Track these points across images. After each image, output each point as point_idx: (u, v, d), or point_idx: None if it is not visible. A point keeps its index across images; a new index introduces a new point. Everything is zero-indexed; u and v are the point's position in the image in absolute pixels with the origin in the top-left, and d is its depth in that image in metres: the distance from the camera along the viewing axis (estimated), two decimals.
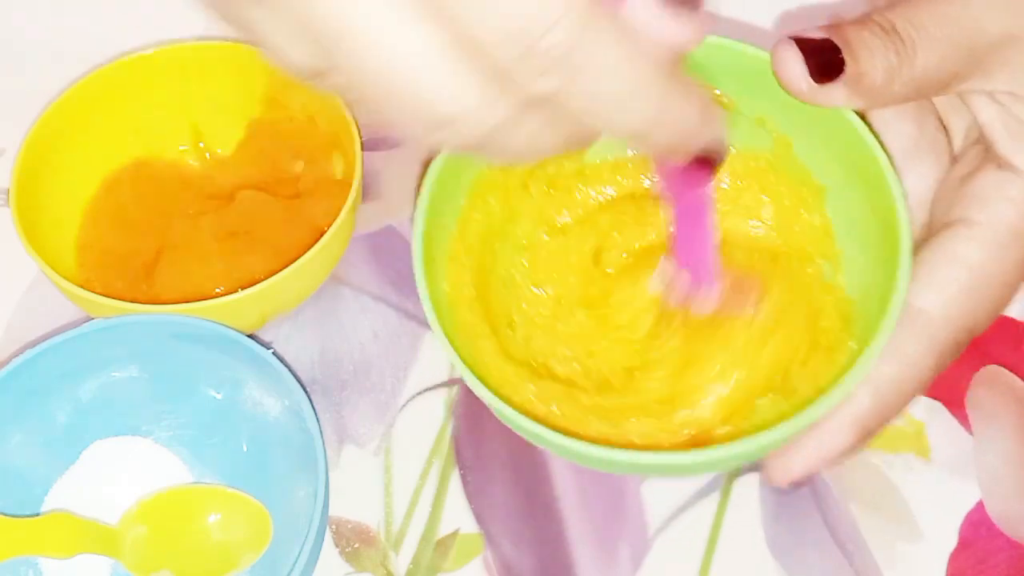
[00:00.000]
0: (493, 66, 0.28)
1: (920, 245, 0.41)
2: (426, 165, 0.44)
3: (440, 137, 0.29)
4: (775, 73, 0.40)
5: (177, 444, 0.50)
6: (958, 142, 0.43)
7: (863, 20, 0.40)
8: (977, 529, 0.49)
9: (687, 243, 0.44)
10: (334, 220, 0.50)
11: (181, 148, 0.58)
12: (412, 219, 0.45)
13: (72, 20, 0.62)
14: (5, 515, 0.46)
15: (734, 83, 0.44)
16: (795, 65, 0.39)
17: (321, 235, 0.50)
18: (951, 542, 0.49)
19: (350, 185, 0.52)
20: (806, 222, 0.46)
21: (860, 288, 0.43)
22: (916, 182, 0.43)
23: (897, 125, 0.43)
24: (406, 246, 0.57)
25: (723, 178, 0.47)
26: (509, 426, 0.42)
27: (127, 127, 0.56)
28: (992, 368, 0.53)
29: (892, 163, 0.41)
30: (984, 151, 0.41)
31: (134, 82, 0.56)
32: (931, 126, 0.43)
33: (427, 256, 0.42)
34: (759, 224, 0.46)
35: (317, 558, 0.47)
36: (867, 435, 0.40)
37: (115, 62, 0.55)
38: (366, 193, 0.58)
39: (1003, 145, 0.40)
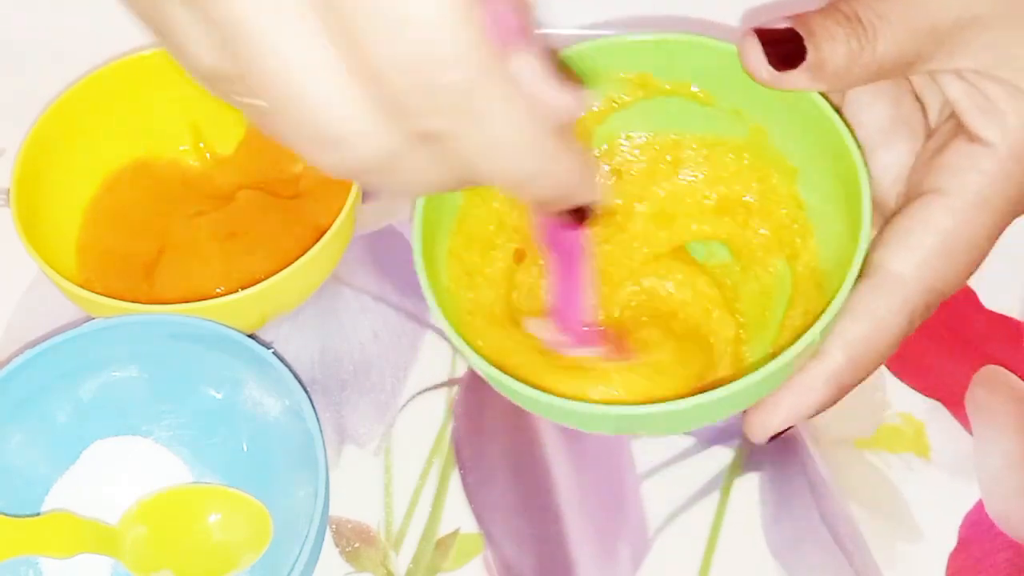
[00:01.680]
0: (388, 94, 0.28)
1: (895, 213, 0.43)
2: None
3: (329, 159, 0.30)
4: (742, 63, 0.43)
5: (177, 444, 0.50)
6: (934, 117, 0.45)
7: (827, 9, 0.42)
8: (977, 529, 0.49)
9: (562, 301, 0.45)
10: (334, 220, 0.50)
11: (181, 148, 0.58)
12: (411, 218, 0.46)
13: (72, 20, 0.62)
14: (5, 515, 0.46)
15: (709, 78, 0.47)
16: (756, 54, 0.42)
17: (321, 235, 0.50)
18: (951, 542, 0.49)
19: (350, 185, 0.52)
20: (780, 204, 0.48)
21: (833, 259, 0.45)
22: (894, 157, 0.45)
23: (875, 104, 0.45)
24: (406, 246, 0.57)
25: (694, 174, 0.50)
26: (509, 396, 0.43)
27: (127, 127, 0.57)
28: (992, 368, 0.53)
29: (856, 138, 0.43)
30: (956, 125, 0.43)
31: (134, 82, 0.56)
32: (907, 104, 0.45)
33: (427, 252, 0.44)
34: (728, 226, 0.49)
35: (317, 558, 0.47)
36: (841, 392, 0.43)
37: (115, 62, 0.55)
38: (366, 193, 0.58)
39: (972, 120, 0.42)
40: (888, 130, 0.45)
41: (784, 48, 0.42)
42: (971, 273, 0.43)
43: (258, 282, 0.49)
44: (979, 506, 0.50)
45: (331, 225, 0.50)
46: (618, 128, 0.49)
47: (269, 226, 0.54)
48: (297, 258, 0.50)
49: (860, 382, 0.43)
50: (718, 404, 0.41)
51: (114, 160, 0.57)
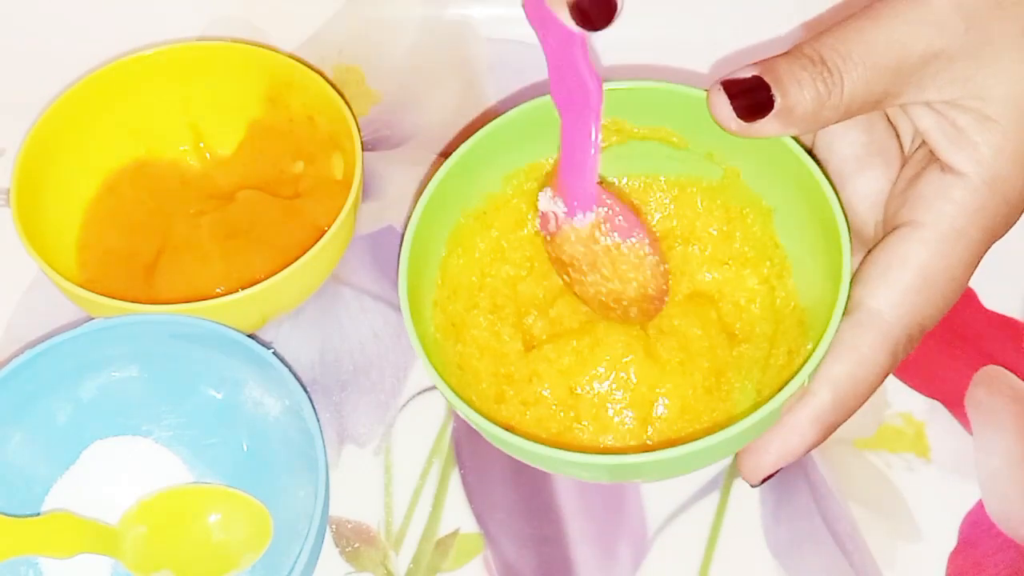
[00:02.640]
0: None
1: (874, 245, 0.43)
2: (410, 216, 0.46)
3: None
4: (711, 116, 0.43)
5: (177, 444, 0.50)
6: (907, 143, 0.45)
7: (793, 53, 0.42)
8: (977, 529, 0.49)
9: (567, 158, 0.45)
10: (334, 220, 0.50)
11: (181, 148, 0.58)
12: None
13: (72, 20, 0.62)
14: (5, 515, 0.46)
15: (682, 123, 0.47)
16: (724, 108, 0.42)
17: (321, 235, 0.50)
18: (951, 542, 0.49)
19: (350, 185, 0.52)
20: (750, 236, 0.49)
21: (813, 297, 0.45)
22: (869, 185, 0.45)
23: (848, 133, 0.45)
24: None
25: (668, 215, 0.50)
26: (500, 447, 0.43)
27: (127, 127, 0.57)
28: (992, 368, 0.53)
29: (830, 178, 0.44)
30: (930, 153, 0.43)
31: (134, 82, 0.56)
32: (881, 131, 0.45)
33: (413, 303, 0.44)
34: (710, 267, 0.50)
35: (317, 558, 0.47)
36: (828, 430, 0.43)
37: (115, 62, 0.55)
38: (366, 193, 0.58)
39: (943, 150, 0.42)
40: (862, 158, 0.45)
41: (752, 97, 0.42)
42: (952, 303, 0.43)
43: (258, 282, 0.49)
44: (979, 506, 0.50)
45: (331, 225, 0.50)
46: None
47: (269, 226, 0.54)
48: (297, 258, 0.50)
49: (846, 419, 0.43)
50: (708, 452, 0.41)
51: (114, 160, 0.57)
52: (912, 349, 0.43)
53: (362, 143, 0.53)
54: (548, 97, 0.45)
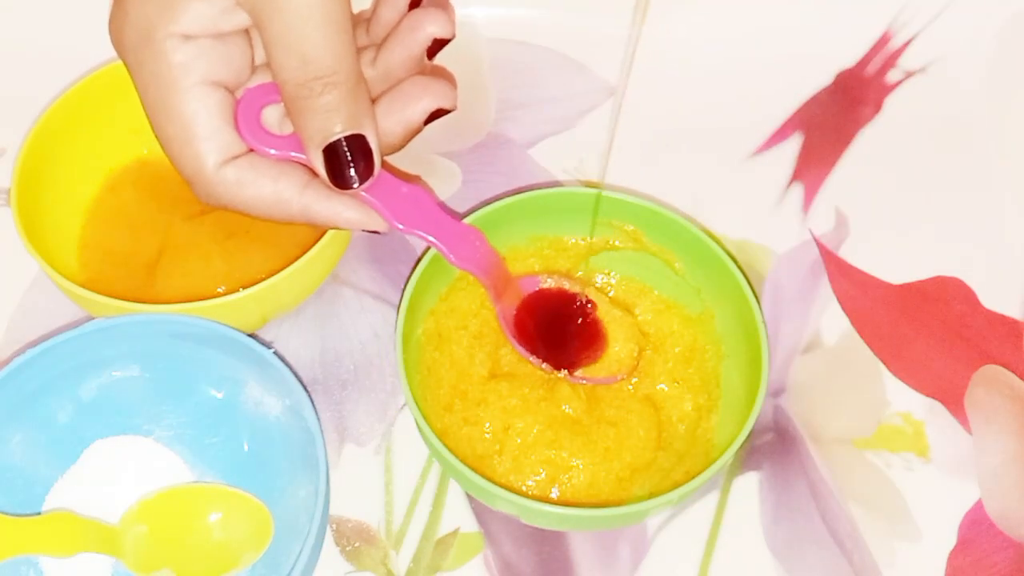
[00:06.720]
0: None
1: None
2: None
3: None
4: None
5: (178, 443, 0.50)
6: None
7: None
8: (976, 528, 0.49)
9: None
10: None
11: None
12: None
13: (72, 20, 0.62)
14: (6, 514, 0.46)
15: (687, 257, 0.53)
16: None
17: (321, 235, 0.50)
18: (950, 541, 0.49)
19: None
20: (702, 369, 0.53)
21: (723, 437, 0.50)
22: None
23: None
24: (406, 246, 0.57)
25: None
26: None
27: (128, 127, 0.57)
28: (992, 368, 0.53)
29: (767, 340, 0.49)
30: None
31: None
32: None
33: (412, 303, 0.49)
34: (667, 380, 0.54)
35: (318, 557, 0.47)
36: None
37: (115, 62, 0.55)
38: None
39: None
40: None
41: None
42: None
43: (259, 282, 0.49)
44: (978, 505, 0.50)
45: None
46: (603, 264, 0.55)
47: (269, 226, 0.54)
48: (298, 258, 0.50)
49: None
50: (579, 520, 0.46)
51: (115, 160, 0.57)
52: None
53: None
54: (585, 189, 0.53)
